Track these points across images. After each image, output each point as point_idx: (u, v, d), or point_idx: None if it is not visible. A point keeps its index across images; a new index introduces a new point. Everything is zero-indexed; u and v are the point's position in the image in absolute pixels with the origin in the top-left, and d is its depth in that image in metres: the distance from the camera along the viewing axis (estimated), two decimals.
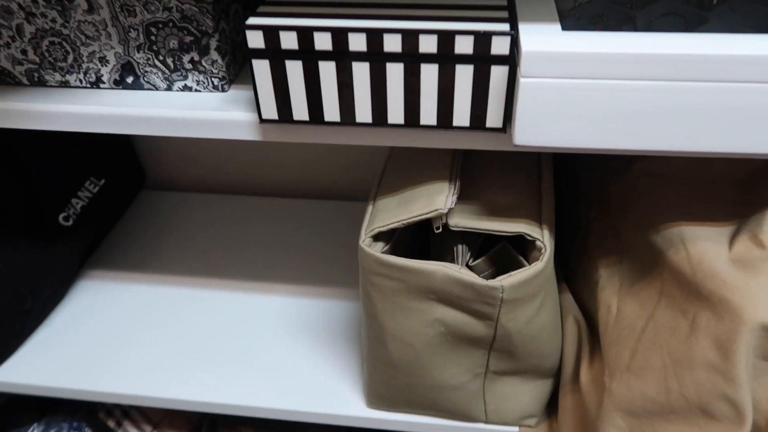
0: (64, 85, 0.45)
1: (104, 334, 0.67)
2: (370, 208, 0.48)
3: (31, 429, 0.76)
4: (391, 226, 0.44)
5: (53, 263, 0.65)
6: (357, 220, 0.80)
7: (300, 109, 0.39)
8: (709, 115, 0.34)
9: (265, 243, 0.77)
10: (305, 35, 0.36)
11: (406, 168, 0.49)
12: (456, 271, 0.43)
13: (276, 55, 0.37)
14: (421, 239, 0.55)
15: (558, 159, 0.63)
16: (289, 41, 0.36)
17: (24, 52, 0.43)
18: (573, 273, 0.56)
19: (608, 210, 0.51)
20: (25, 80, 0.45)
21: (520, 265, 0.46)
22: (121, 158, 0.79)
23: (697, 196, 0.45)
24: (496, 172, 0.50)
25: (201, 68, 0.43)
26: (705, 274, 0.40)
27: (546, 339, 0.48)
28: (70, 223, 0.67)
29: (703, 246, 0.41)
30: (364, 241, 0.45)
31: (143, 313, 0.69)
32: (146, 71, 0.43)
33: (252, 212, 0.83)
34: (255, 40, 0.36)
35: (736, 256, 0.40)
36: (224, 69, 0.43)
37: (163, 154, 0.85)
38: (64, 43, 0.43)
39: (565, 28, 0.35)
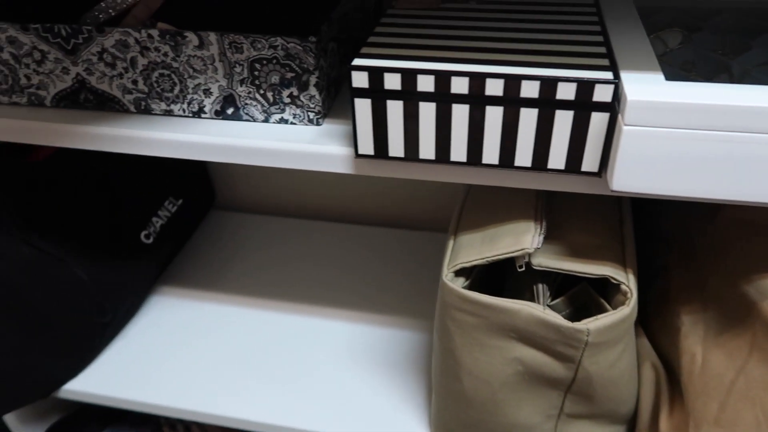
0: (168, 113, 0.47)
1: (172, 349, 0.69)
2: (450, 243, 0.49)
3: None
4: (475, 262, 0.45)
5: (133, 279, 0.68)
6: (426, 251, 0.80)
7: (396, 146, 0.40)
8: None
9: (331, 267, 0.79)
10: (409, 77, 0.37)
11: (487, 205, 0.50)
12: (540, 311, 0.43)
13: (378, 95, 0.38)
14: (493, 276, 0.55)
15: (635, 200, 0.62)
16: (392, 82, 0.37)
17: (135, 82, 0.46)
18: (650, 318, 0.55)
19: (692, 256, 0.50)
20: (132, 108, 0.48)
21: (600, 308, 0.46)
22: (195, 179, 0.83)
23: None
24: (578, 213, 0.50)
25: (299, 103, 0.45)
26: None
27: (625, 384, 0.48)
28: (151, 240, 0.70)
29: None
30: (447, 276, 0.46)
31: (210, 330, 0.71)
32: (246, 104, 0.46)
33: (317, 237, 0.84)
34: (359, 80, 0.38)
35: None
36: (320, 104, 0.45)
37: (232, 177, 0.88)
38: (173, 75, 0.45)
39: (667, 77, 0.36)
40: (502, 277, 0.56)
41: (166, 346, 0.70)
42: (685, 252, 0.52)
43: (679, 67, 0.46)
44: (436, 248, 0.81)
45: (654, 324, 0.54)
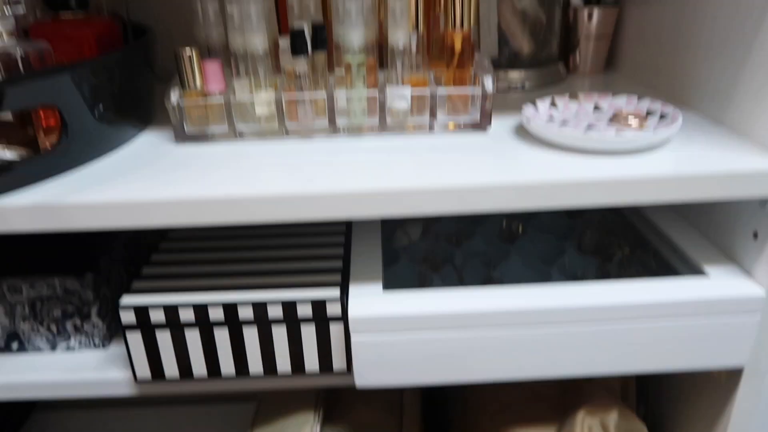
0: None
1: None
2: None
3: None
4: None
5: None
6: None
7: (171, 369, 0.44)
8: (499, 352, 0.42)
9: None
10: (171, 311, 0.42)
11: (279, 402, 0.54)
12: None
13: (147, 328, 0.43)
14: None
15: None
16: (157, 316, 0.42)
17: None
18: None
19: (466, 424, 0.58)
20: None
21: None
22: None
23: (520, 414, 0.53)
24: (363, 392, 0.56)
25: (83, 331, 0.48)
26: None
27: None
28: None
29: None
30: None
31: None
32: (31, 337, 0.48)
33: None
34: (128, 317, 0.42)
35: None
36: (105, 330, 0.48)
37: None
38: None
39: (387, 285, 0.44)
40: None
41: None
42: (465, 413, 0.60)
43: (420, 260, 0.55)
44: None
45: None
